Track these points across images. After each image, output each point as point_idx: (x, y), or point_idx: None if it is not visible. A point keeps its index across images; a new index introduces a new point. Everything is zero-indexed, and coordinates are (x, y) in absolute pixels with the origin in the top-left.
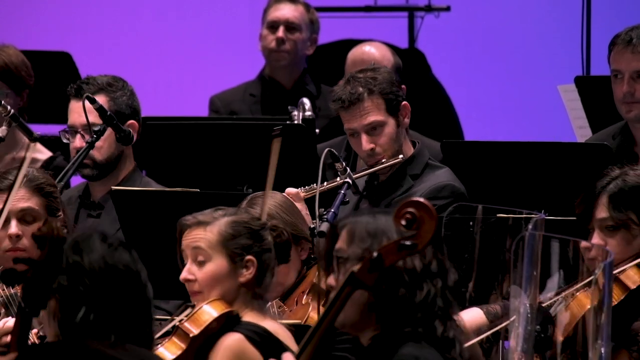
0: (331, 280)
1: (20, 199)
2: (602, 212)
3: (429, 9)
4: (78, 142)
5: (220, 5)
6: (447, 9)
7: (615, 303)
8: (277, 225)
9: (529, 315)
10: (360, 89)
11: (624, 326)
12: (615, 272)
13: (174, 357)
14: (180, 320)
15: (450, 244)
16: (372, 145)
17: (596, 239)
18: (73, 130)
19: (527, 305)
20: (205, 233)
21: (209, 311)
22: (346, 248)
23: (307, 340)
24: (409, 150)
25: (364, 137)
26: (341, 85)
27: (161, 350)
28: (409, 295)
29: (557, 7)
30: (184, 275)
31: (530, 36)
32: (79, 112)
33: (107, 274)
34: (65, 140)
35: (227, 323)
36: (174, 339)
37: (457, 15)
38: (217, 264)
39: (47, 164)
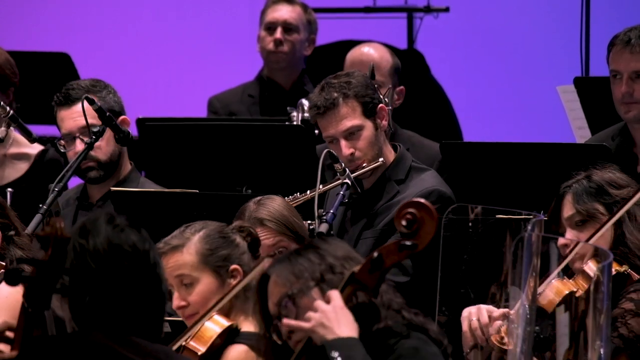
0: (287, 321)
1: None
2: (568, 210)
3: (428, 9)
4: (80, 146)
5: (220, 6)
6: (446, 9)
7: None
8: (243, 225)
9: (527, 316)
10: (335, 94)
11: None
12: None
13: None
14: (185, 340)
15: (450, 245)
16: (351, 150)
17: (569, 235)
18: (70, 137)
19: (526, 306)
20: (183, 257)
21: (212, 327)
22: (285, 290)
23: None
24: (390, 154)
25: (343, 143)
26: (316, 92)
27: None
28: (371, 301)
29: (556, 8)
30: (175, 303)
31: (529, 37)
32: (72, 117)
33: (112, 256)
34: (62, 150)
35: (228, 336)
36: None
37: (456, 16)
38: (205, 282)
39: (39, 158)
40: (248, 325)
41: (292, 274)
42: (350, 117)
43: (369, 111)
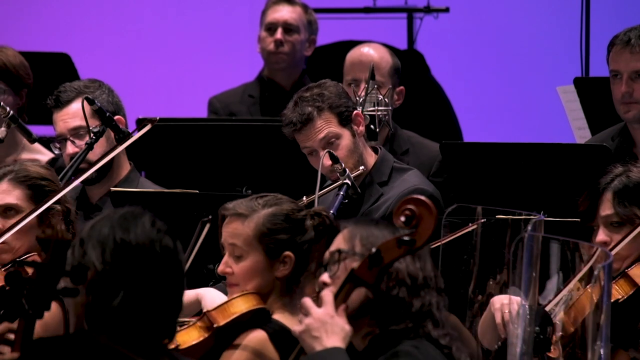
0: (325, 277)
1: (1, 192)
2: (607, 209)
3: (428, 10)
4: (70, 148)
5: (220, 6)
6: (446, 10)
7: (623, 299)
8: (321, 212)
9: (528, 317)
10: (309, 108)
11: (632, 324)
12: (624, 268)
13: (194, 342)
14: (209, 309)
15: (450, 245)
16: (331, 161)
17: (601, 235)
18: (62, 139)
19: (526, 306)
20: (242, 228)
21: (239, 305)
22: (345, 246)
23: None
24: (371, 157)
25: (322, 153)
26: (290, 107)
27: (185, 333)
28: (408, 300)
29: (556, 9)
30: (221, 268)
31: (529, 37)
32: (63, 119)
33: (152, 256)
34: (56, 152)
35: (257, 317)
36: (199, 324)
37: (456, 16)
38: (253, 260)
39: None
40: (280, 315)
41: (359, 236)
42: (327, 128)
43: (345, 120)
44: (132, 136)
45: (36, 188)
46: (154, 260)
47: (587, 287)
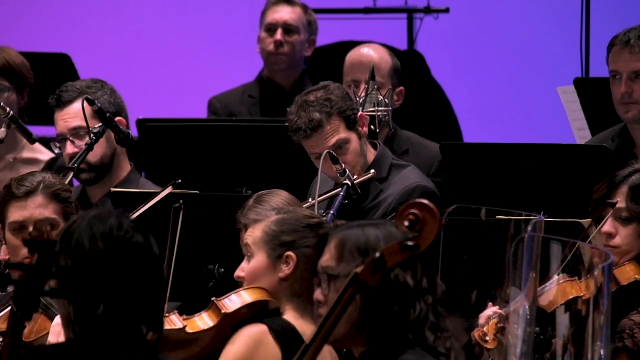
0: (318, 294)
1: (38, 206)
2: (619, 202)
3: (428, 10)
4: (70, 148)
5: (220, 6)
6: (446, 10)
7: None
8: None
9: (528, 317)
10: (317, 114)
11: (612, 321)
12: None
13: (203, 328)
14: (217, 297)
15: (450, 246)
16: (331, 161)
17: (607, 226)
18: (62, 139)
19: (526, 307)
20: (253, 231)
21: (244, 295)
22: (335, 265)
23: (306, 346)
24: (371, 153)
25: (322, 154)
26: (294, 111)
27: (195, 319)
28: (403, 313)
29: (556, 9)
30: (236, 272)
31: (529, 38)
32: (63, 118)
33: (120, 257)
34: (57, 151)
35: (264, 314)
36: (209, 312)
37: (456, 16)
38: (258, 260)
39: (49, 165)
40: (290, 315)
41: (348, 246)
42: (336, 133)
43: (351, 123)
44: (131, 136)
45: (64, 201)
46: (123, 258)
47: (565, 281)
